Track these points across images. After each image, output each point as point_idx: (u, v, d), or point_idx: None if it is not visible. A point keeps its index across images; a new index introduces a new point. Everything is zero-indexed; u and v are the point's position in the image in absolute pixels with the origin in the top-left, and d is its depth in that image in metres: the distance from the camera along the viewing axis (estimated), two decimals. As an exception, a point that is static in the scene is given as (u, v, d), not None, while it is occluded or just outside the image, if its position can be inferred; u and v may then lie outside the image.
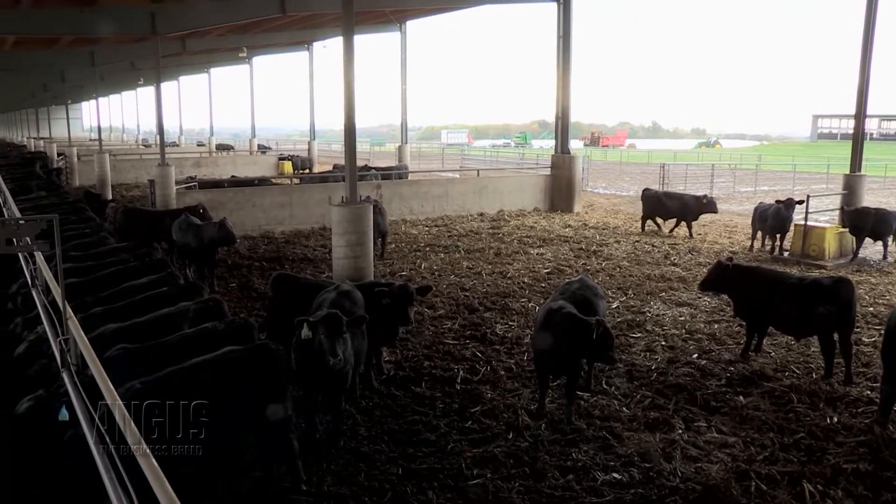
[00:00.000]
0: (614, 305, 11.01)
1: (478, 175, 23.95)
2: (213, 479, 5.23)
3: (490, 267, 13.86)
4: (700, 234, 17.96)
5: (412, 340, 9.22)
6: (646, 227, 18.55)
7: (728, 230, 19.03)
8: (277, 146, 54.88)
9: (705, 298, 11.29)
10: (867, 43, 16.04)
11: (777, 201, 15.29)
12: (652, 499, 5.49)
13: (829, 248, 14.80)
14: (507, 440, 6.43)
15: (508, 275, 13.15)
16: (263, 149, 45.64)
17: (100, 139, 32.64)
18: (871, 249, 15.73)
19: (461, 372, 8.10)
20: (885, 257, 15.00)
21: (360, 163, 20.36)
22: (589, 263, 14.27)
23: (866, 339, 9.36)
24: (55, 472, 4.11)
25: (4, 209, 11.46)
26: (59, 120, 48.81)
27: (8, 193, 12.66)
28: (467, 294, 11.68)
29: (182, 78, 51.22)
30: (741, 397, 7.40)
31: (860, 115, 16.95)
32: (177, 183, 19.25)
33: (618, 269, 13.78)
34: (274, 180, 26.71)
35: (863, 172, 17.38)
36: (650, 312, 10.71)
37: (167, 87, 49.14)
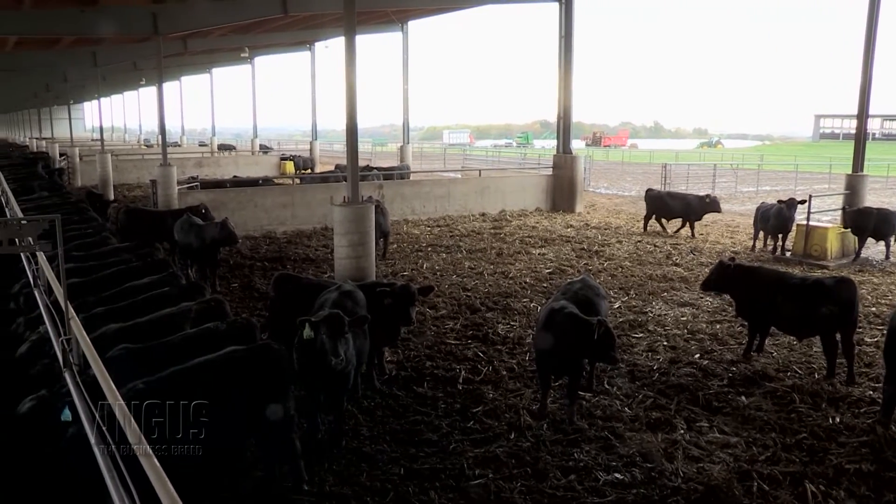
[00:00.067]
0: (616, 305, 11.01)
1: (480, 175, 23.95)
2: (215, 478, 5.24)
3: (492, 267, 13.86)
4: (702, 234, 17.95)
5: (414, 340, 9.22)
6: (648, 227, 18.54)
7: (730, 230, 19.01)
8: (279, 146, 54.90)
9: (707, 298, 11.28)
10: (869, 43, 16.01)
11: (779, 201, 15.27)
12: (654, 499, 5.49)
13: (832, 248, 14.78)
14: (508, 440, 6.43)
15: (510, 275, 13.15)
16: (265, 149, 45.68)
17: (102, 139, 32.67)
18: (874, 249, 15.71)
19: (463, 372, 8.10)
20: (887, 257, 14.97)
21: (362, 163, 20.40)
22: (591, 263, 14.27)
23: (869, 340, 9.35)
24: (57, 472, 4.11)
25: (7, 209, 11.47)
26: (62, 120, 48.98)
27: (10, 193, 12.67)
28: (469, 294, 11.68)
29: (184, 78, 51.30)
30: (743, 397, 7.40)
31: (862, 115, 16.92)
32: (179, 183, 19.27)
33: (620, 269, 13.78)
34: (276, 180, 26.74)
35: (865, 172, 17.34)
36: (652, 312, 10.70)
37: (169, 87, 49.18)
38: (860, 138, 17.22)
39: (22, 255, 7.24)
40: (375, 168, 25.58)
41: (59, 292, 5.14)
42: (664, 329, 9.87)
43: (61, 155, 33.48)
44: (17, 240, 4.79)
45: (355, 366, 6.43)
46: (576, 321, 6.46)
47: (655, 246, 16.22)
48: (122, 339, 5.55)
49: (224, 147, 49.21)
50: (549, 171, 23.16)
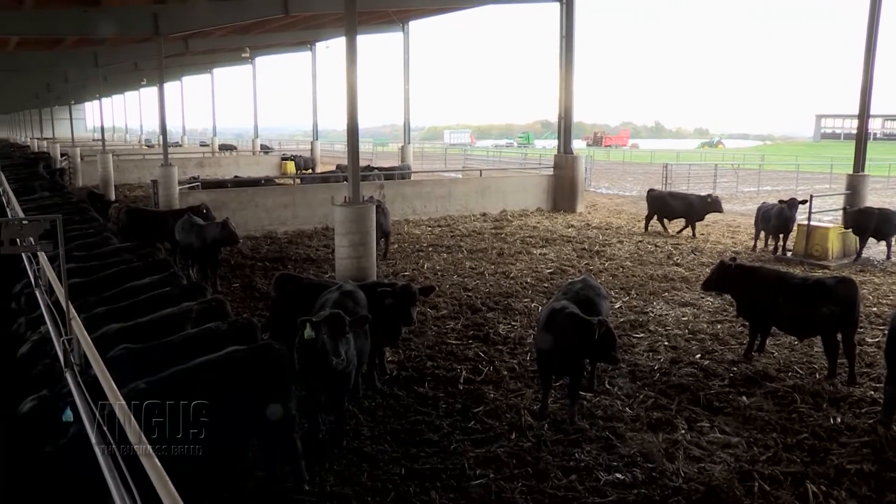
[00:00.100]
0: (617, 305, 11.00)
1: (480, 175, 23.94)
2: (216, 478, 5.24)
3: (493, 267, 13.86)
4: (703, 234, 17.94)
5: (415, 340, 9.22)
6: (649, 228, 18.53)
7: (731, 230, 19.00)
8: (280, 146, 54.93)
9: (708, 298, 11.27)
10: (871, 42, 15.99)
11: (780, 201, 15.26)
12: (655, 499, 5.49)
13: (833, 248, 14.77)
14: (509, 440, 6.43)
15: (511, 275, 13.15)
16: (266, 149, 45.72)
17: (103, 139, 32.68)
18: (875, 249, 15.70)
19: (464, 372, 8.10)
20: (888, 257, 14.96)
21: (362, 163, 20.41)
22: (592, 263, 14.27)
23: (870, 340, 9.34)
24: (58, 472, 4.12)
25: (8, 209, 11.49)
26: (63, 120, 49.05)
27: (12, 194, 12.69)
28: (470, 294, 11.68)
29: (185, 78, 51.33)
30: (744, 397, 7.39)
31: (864, 115, 16.90)
32: (180, 183, 19.29)
33: (621, 269, 13.77)
34: (277, 180, 26.75)
35: (866, 172, 17.31)
36: (653, 313, 10.70)
37: (170, 87, 49.22)
38: (861, 138, 17.21)
39: (23, 255, 7.24)
40: (376, 168, 25.57)
41: (60, 292, 5.15)
42: (665, 329, 9.86)
43: (62, 155, 33.52)
44: (18, 240, 4.80)
45: (356, 366, 6.43)
46: (577, 321, 6.45)
47: (656, 246, 16.21)
48: (123, 339, 5.55)
49: (225, 147, 49.26)
50: (550, 172, 23.15)
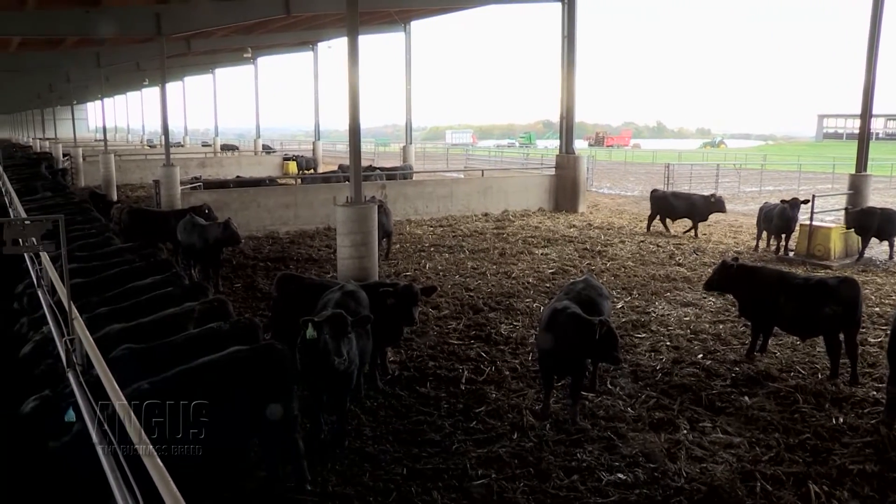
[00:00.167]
0: (619, 305, 10.99)
1: (482, 175, 23.92)
2: (218, 478, 5.24)
3: (495, 267, 13.86)
4: (705, 234, 17.92)
5: (417, 341, 9.22)
6: (651, 228, 18.52)
7: (733, 230, 18.98)
8: (282, 146, 54.93)
9: (710, 298, 11.26)
10: (873, 42, 15.96)
11: (782, 201, 15.25)
12: (657, 499, 5.48)
13: (835, 248, 14.75)
14: (511, 440, 6.43)
15: (513, 275, 13.14)
16: (268, 149, 45.75)
17: (105, 139, 32.75)
18: (877, 249, 15.67)
19: (466, 372, 8.10)
20: (891, 257, 14.93)
21: (364, 163, 20.41)
22: (593, 263, 14.26)
23: (872, 340, 9.33)
24: (60, 472, 4.12)
25: (10, 210, 11.51)
26: (65, 120, 49.07)
27: (14, 194, 12.71)
28: (472, 294, 11.68)
29: (187, 78, 51.37)
30: (746, 398, 7.38)
31: (866, 115, 16.86)
32: (182, 183, 19.32)
33: (622, 269, 13.76)
34: (279, 181, 26.76)
35: (868, 172, 17.29)
36: (655, 313, 10.69)
37: (172, 87, 49.31)
38: (863, 138, 17.17)
39: (25, 255, 7.25)
40: (378, 168, 25.58)
41: (62, 292, 5.16)
42: (667, 329, 9.85)
43: (65, 155, 33.56)
44: (20, 240, 4.80)
45: (358, 366, 6.43)
46: (578, 321, 6.45)
47: (658, 246, 16.20)
48: (125, 339, 5.56)
49: (227, 147, 49.31)
50: (552, 172, 23.14)
